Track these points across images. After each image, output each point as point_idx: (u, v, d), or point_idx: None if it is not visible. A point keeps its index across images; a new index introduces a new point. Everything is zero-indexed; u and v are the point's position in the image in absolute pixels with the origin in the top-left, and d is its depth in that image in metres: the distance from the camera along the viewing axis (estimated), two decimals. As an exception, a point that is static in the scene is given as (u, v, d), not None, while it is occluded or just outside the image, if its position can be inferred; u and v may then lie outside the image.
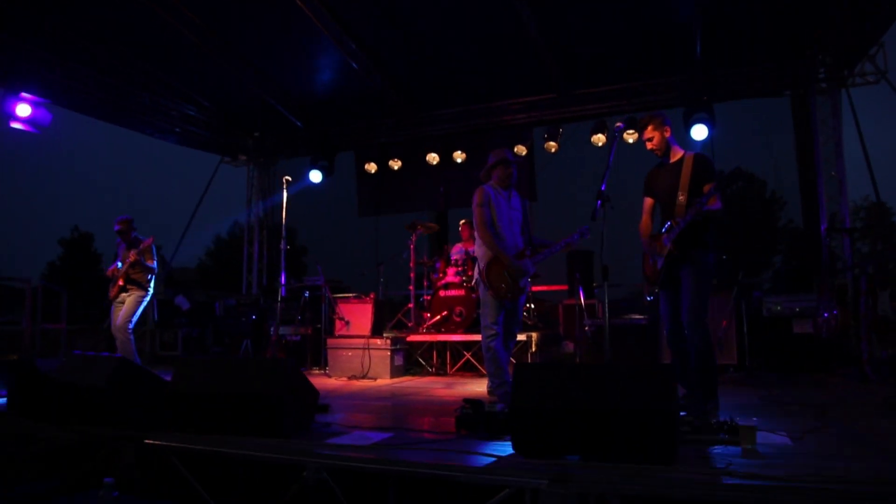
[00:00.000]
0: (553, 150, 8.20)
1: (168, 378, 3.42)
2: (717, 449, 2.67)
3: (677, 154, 3.64)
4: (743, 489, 2.08)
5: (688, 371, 3.52)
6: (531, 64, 7.59)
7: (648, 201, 3.73)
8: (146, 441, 3.10)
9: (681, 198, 3.44)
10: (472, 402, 3.19)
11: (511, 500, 2.33)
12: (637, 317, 6.30)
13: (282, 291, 4.90)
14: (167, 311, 8.57)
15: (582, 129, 8.23)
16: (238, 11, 6.97)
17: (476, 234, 4.33)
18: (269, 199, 10.27)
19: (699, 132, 7.33)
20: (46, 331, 7.85)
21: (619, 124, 3.76)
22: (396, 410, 4.10)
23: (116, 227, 6.14)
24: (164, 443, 3.05)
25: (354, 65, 7.56)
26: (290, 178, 4.98)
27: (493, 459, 2.51)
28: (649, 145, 3.67)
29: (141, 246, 5.91)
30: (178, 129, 9.00)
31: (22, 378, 3.76)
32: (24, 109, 7.36)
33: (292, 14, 6.68)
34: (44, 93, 7.45)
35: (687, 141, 7.54)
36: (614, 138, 3.70)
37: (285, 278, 4.96)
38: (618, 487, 2.20)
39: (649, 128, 3.62)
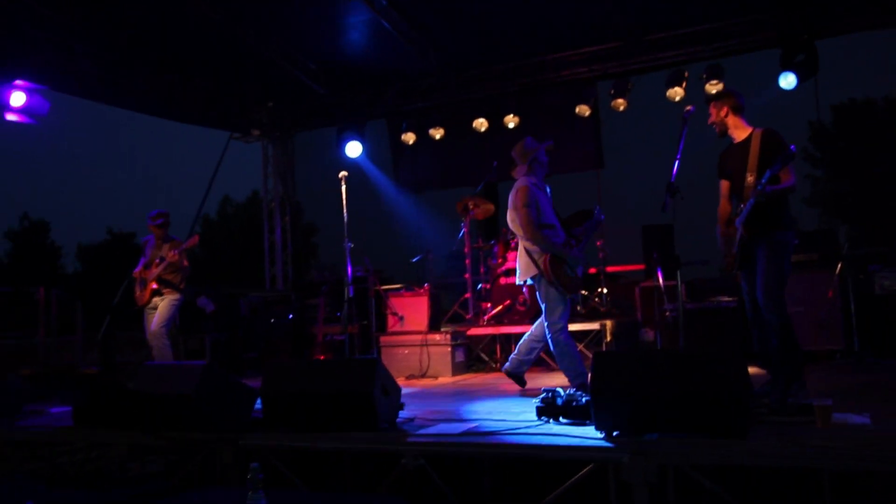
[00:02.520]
0: (622, 107, 9.05)
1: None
2: (797, 429, 3.62)
3: (746, 131, 4.54)
4: (789, 452, 3.06)
5: (769, 353, 4.50)
6: (590, 8, 8.40)
7: (724, 184, 4.66)
8: (241, 442, 4.22)
9: (749, 178, 4.36)
10: (550, 391, 4.20)
11: (594, 475, 3.35)
12: (727, 299, 7.20)
13: (349, 291, 5.94)
14: (189, 315, 9.77)
15: (654, 83, 9.05)
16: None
17: (526, 234, 5.38)
18: (289, 178, 11.39)
19: (787, 81, 8.08)
20: (61, 343, 9.15)
21: (689, 108, 4.65)
22: (470, 405, 5.16)
23: (158, 222, 7.23)
24: (260, 442, 4.17)
25: (380, 18, 8.46)
26: (346, 173, 5.97)
27: (577, 440, 3.53)
28: (710, 121, 4.61)
29: (185, 245, 7.02)
30: (182, 105, 10.12)
31: (97, 391, 4.93)
32: (18, 98, 8.48)
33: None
34: (39, 77, 8.58)
35: (775, 92, 8.31)
36: (684, 124, 4.59)
37: (350, 274, 5.98)
38: (692, 458, 3.20)
39: (711, 106, 4.54)
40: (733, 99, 4.62)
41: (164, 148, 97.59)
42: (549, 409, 4.12)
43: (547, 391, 4.26)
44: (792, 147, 4.21)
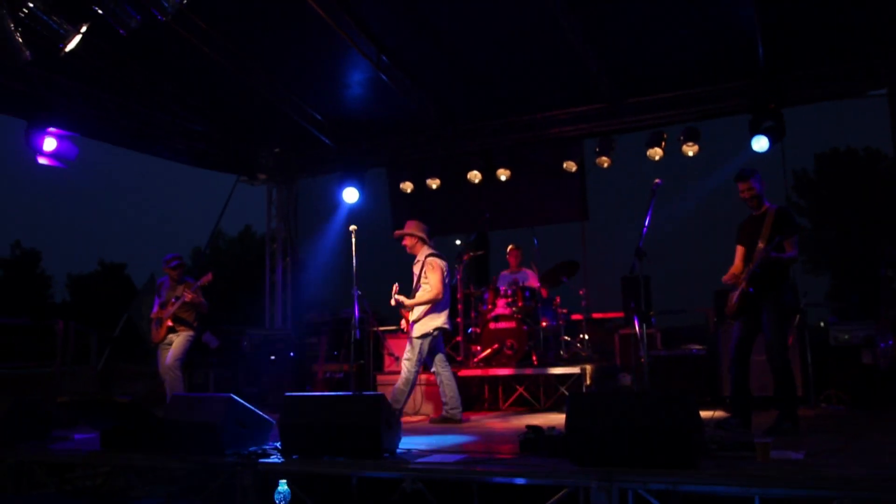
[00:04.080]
0: (605, 164, 9.84)
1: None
2: (739, 462, 4.30)
3: (763, 207, 5.56)
4: (727, 480, 3.75)
5: (739, 396, 5.48)
6: (578, 73, 9.21)
7: (740, 248, 5.69)
8: (259, 467, 4.86)
9: (760, 245, 5.37)
10: (533, 428, 4.86)
11: (568, 499, 4.00)
12: (697, 347, 7.91)
13: (356, 334, 6.61)
14: (195, 350, 10.39)
15: (637, 141, 9.87)
16: (262, 26, 8.68)
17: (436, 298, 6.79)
18: (291, 222, 12.10)
19: (760, 144, 8.89)
20: (75, 372, 9.74)
21: (657, 181, 5.43)
22: (461, 440, 5.80)
23: (173, 265, 7.92)
24: (277, 467, 4.80)
25: (383, 76, 9.26)
26: (356, 227, 6.66)
27: (553, 469, 4.19)
28: (745, 196, 5.60)
29: (200, 283, 7.69)
30: (194, 150, 10.86)
31: (127, 418, 5.54)
32: (50, 143, 9.23)
33: (317, 27, 8.34)
34: (69, 125, 9.33)
35: (748, 153, 9.14)
36: (653, 195, 5.36)
37: (358, 318, 6.68)
38: (648, 484, 3.87)
39: (750, 181, 5.55)
40: (761, 180, 5.70)
41: (155, 181, 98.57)
42: (530, 443, 4.79)
43: (529, 427, 4.93)
44: (798, 226, 5.32)
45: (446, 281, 6.93)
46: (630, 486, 3.89)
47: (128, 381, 12.20)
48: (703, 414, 6.09)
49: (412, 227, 7.14)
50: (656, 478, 3.88)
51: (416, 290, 7.00)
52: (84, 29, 5.59)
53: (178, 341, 7.90)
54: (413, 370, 6.87)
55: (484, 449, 5.17)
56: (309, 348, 9.96)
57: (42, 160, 9.23)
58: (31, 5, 5.27)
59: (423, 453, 4.99)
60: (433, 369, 7.16)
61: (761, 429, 5.32)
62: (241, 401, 5.24)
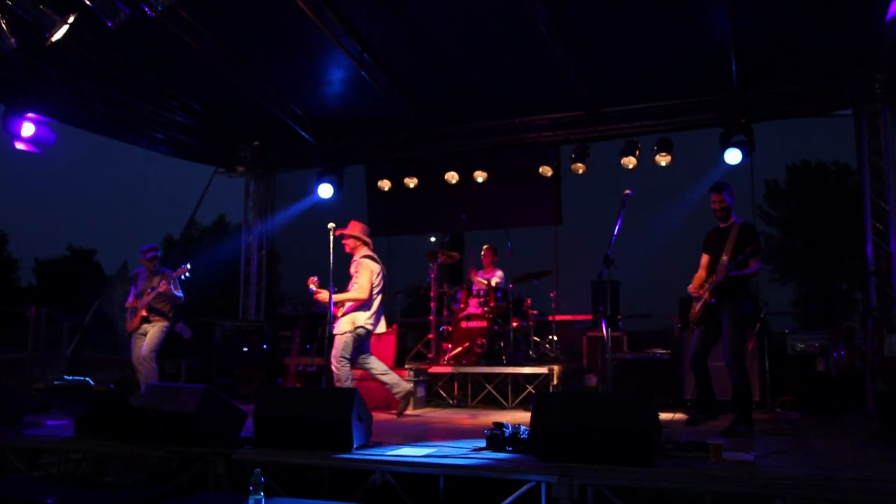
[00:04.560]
0: (580, 171, 10.09)
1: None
2: (693, 462, 4.54)
3: (730, 220, 5.91)
4: (680, 478, 3.99)
5: (702, 397, 5.93)
6: (557, 80, 9.45)
7: (705, 257, 6.04)
8: (233, 456, 5.01)
9: (724, 258, 5.72)
10: (499, 424, 5.07)
11: (531, 492, 4.22)
12: (661, 351, 8.19)
13: (331, 329, 6.79)
14: (167, 340, 10.46)
15: (611, 149, 10.13)
16: (243, 19, 8.78)
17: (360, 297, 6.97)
18: (268, 214, 12.20)
19: (733, 156, 9.21)
20: (46, 358, 9.78)
21: (627, 192, 5.68)
22: (431, 435, 6.00)
23: (149, 256, 8.01)
24: (251, 457, 4.96)
25: (365, 75, 9.41)
26: (334, 225, 6.80)
27: (517, 464, 4.40)
28: (716, 206, 5.93)
29: (174, 274, 7.80)
30: (174, 141, 10.93)
31: (102, 405, 5.65)
32: (28, 129, 9.26)
33: (302, 23, 8.48)
34: (49, 111, 9.36)
35: (721, 165, 9.45)
36: (622, 205, 5.60)
37: (333, 314, 6.88)
38: (606, 480, 4.10)
39: (723, 194, 5.90)
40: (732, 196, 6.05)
41: (122, 165, 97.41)
42: (497, 439, 4.99)
43: (497, 424, 5.13)
44: (760, 243, 5.69)
45: (375, 283, 7.05)
46: (589, 482, 4.11)
47: (98, 369, 12.22)
48: (665, 416, 6.44)
49: (353, 229, 7.31)
50: (613, 475, 4.11)
51: (348, 289, 7.17)
52: (72, 20, 5.69)
53: (153, 332, 7.99)
54: (342, 367, 6.95)
55: (452, 443, 5.36)
56: (282, 341, 10.08)
57: (19, 145, 9.27)
58: (19, -6, 5.36)
59: (392, 446, 5.18)
60: (360, 365, 7.26)
61: (717, 431, 5.60)
62: (216, 391, 5.38)
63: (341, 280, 7.16)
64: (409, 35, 8.95)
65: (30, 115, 8.87)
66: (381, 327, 7.31)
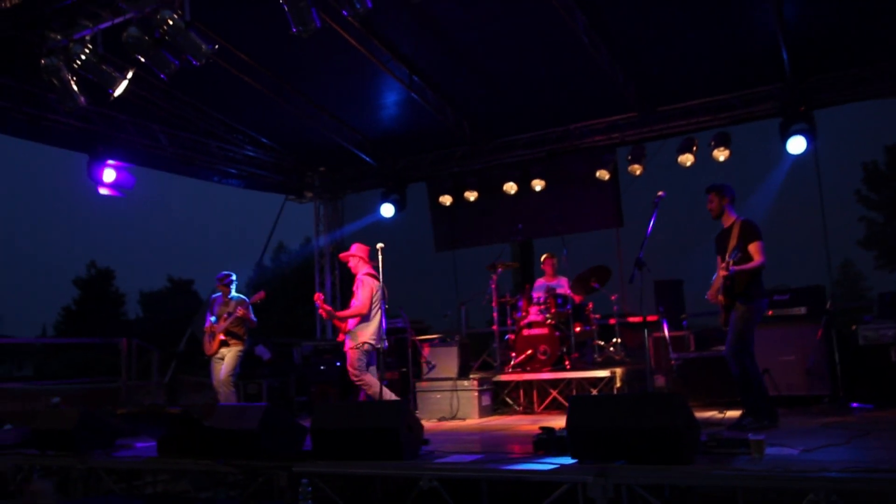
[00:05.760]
0: (638, 172, 10.09)
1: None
2: (738, 459, 4.58)
3: (730, 219, 5.96)
4: (712, 475, 4.06)
5: (745, 396, 5.88)
6: (605, 85, 9.53)
7: (719, 259, 6.05)
8: (293, 469, 5.36)
9: (727, 257, 5.77)
10: (546, 429, 5.24)
11: (568, 493, 4.37)
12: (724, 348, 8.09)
13: (384, 345, 7.16)
14: (248, 362, 11.06)
15: (670, 147, 10.07)
16: (298, 55, 9.22)
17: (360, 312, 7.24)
18: (337, 233, 12.72)
19: (796, 145, 9.01)
20: (138, 387, 10.54)
21: (660, 193, 5.76)
22: (485, 441, 6.22)
23: (226, 281, 8.54)
24: (309, 469, 5.30)
25: (416, 97, 9.72)
26: (383, 245, 7.15)
27: (555, 466, 4.56)
28: (708, 206, 5.98)
29: (252, 300, 8.30)
30: (244, 173, 11.59)
31: (179, 427, 6.15)
32: (109, 175, 10.04)
33: (352, 53, 8.88)
34: (125, 156, 10.11)
35: (784, 156, 9.28)
36: (655, 207, 5.68)
37: (385, 328, 7.28)
38: (639, 479, 4.21)
39: (711, 194, 5.97)
40: (731, 193, 6.08)
41: (206, 201, 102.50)
42: (542, 443, 5.16)
43: (543, 429, 5.30)
44: (758, 237, 5.78)
45: (375, 300, 7.36)
46: (623, 481, 4.23)
47: (192, 391, 13.00)
48: (732, 413, 6.48)
49: (355, 250, 7.69)
50: (647, 474, 4.22)
51: (350, 306, 7.56)
52: (130, 74, 6.24)
53: (229, 356, 8.48)
54: (361, 377, 7.24)
55: (501, 449, 5.56)
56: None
57: (103, 190, 10.05)
58: (83, 57, 5.94)
59: (443, 454, 5.42)
60: None
61: (785, 428, 5.65)
62: (278, 408, 5.76)
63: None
64: (454, 54, 9.24)
65: (109, 161, 9.63)
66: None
